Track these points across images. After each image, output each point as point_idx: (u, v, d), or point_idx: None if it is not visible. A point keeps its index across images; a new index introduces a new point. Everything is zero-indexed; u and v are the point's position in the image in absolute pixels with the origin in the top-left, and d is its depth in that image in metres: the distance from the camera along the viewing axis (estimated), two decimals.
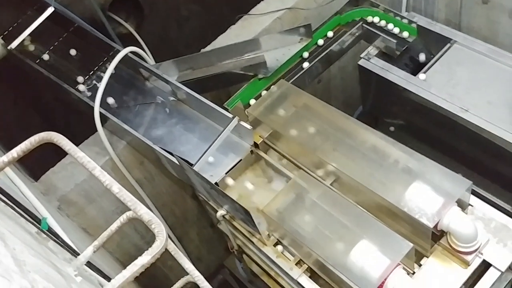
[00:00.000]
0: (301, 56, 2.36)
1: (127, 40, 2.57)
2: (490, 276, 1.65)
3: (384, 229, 1.66)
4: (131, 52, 2.18)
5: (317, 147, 1.93)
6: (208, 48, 2.53)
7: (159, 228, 0.83)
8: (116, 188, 0.87)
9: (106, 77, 2.09)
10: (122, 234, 2.50)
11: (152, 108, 2.24)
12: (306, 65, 2.34)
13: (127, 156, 2.32)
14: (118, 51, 2.16)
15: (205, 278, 1.37)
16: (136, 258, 0.87)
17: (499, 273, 1.64)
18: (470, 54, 2.19)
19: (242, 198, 2.00)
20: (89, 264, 1.31)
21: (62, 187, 2.22)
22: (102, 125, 2.12)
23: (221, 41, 2.57)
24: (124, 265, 0.95)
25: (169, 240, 1.33)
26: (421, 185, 1.68)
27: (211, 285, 1.37)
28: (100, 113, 2.10)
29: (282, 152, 2.07)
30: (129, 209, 0.94)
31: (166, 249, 1.31)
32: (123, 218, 1.08)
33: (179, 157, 1.93)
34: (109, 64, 2.12)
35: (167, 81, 2.16)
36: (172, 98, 2.23)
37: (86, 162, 0.86)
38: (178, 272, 1.44)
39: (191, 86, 2.13)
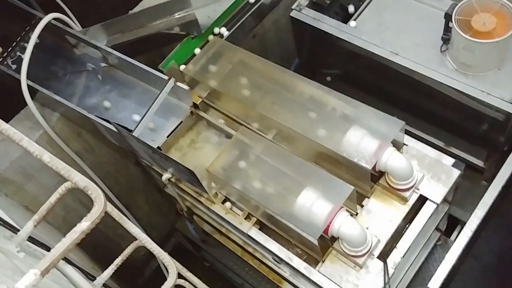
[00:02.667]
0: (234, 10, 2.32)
1: (50, 6, 2.42)
2: (427, 209, 1.75)
3: (326, 176, 1.71)
4: (54, 18, 2.06)
5: (256, 102, 1.94)
6: (137, 9, 2.43)
7: (96, 193, 0.81)
8: (47, 157, 0.84)
9: (30, 47, 1.98)
10: (67, 209, 2.45)
11: (84, 76, 2.15)
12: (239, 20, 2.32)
13: (62, 128, 2.24)
14: (40, 19, 2.05)
15: (158, 242, 1.38)
16: None
17: (435, 205, 1.74)
18: None
19: (186, 160, 1.99)
20: (34, 241, 1.28)
21: None
22: (32, 98, 2.03)
23: (150, 0, 2.48)
24: None
25: (112, 206, 1.32)
26: (358, 130, 1.73)
27: (165, 249, 1.38)
28: (29, 85, 2.00)
29: (222, 110, 2.07)
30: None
31: (111, 216, 1.31)
32: (61, 189, 1.05)
33: (117, 124, 1.89)
34: (32, 34, 2.01)
35: (96, 47, 2.08)
36: (103, 64, 2.15)
37: (12, 134, 0.83)
38: (129, 239, 1.43)
39: (122, 50, 2.06)
